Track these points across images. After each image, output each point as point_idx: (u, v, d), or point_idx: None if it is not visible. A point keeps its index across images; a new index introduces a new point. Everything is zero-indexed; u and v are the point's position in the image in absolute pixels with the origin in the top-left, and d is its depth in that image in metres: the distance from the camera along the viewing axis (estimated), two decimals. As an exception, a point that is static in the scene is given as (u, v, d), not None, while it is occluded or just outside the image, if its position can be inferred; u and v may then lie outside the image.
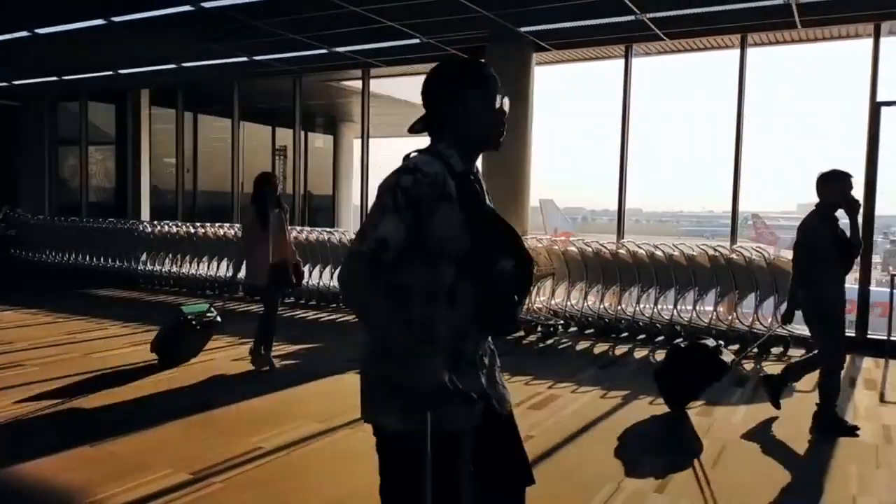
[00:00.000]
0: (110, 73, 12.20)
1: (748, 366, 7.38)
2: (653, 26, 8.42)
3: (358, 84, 12.54)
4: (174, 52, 10.77)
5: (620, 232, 10.00)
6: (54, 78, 13.03)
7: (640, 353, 7.98)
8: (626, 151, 9.82)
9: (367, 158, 12.26)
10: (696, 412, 5.62)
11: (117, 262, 13.27)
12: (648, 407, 5.79)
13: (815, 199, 5.12)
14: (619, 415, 5.57)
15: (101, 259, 13.52)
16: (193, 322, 6.54)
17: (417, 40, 9.38)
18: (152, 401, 5.68)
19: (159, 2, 7.92)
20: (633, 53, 9.70)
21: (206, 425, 5.05)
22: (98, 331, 8.51)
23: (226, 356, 7.21)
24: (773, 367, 7.25)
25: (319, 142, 20.95)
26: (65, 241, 14.10)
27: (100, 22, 8.72)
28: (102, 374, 6.36)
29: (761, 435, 5.17)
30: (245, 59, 10.78)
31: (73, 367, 6.58)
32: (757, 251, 8.43)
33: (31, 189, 16.06)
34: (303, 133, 19.03)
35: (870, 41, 8.40)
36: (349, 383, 6.23)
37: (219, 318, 6.80)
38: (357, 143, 21.92)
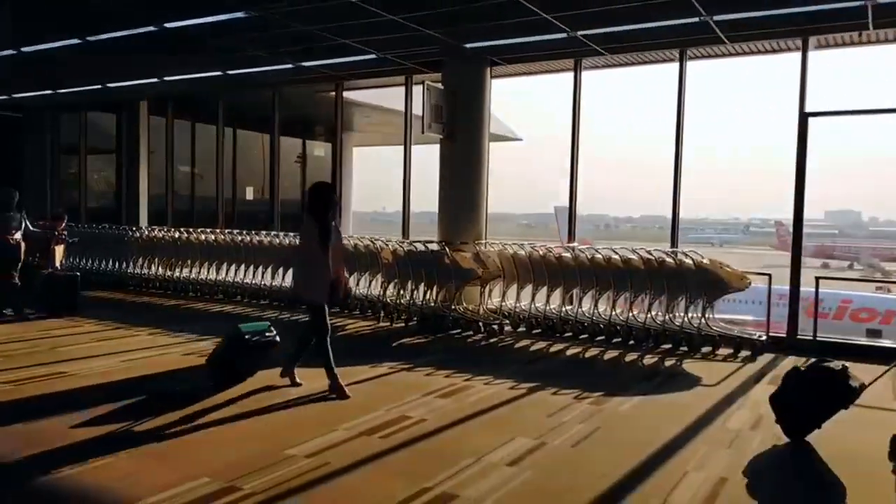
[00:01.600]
0: (99, 86, 12.90)
1: (650, 360, 7.88)
2: (589, 42, 8.90)
3: (350, 95, 13.17)
4: (154, 67, 11.43)
5: (572, 236, 10.45)
6: (49, 91, 13.77)
7: (572, 351, 8.44)
8: (577, 158, 10.29)
9: (341, 167, 12.85)
10: (589, 402, 6.09)
11: (108, 266, 13.94)
12: (550, 397, 6.26)
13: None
14: (515, 404, 6.06)
15: (94, 262, 14.18)
16: (252, 340, 6.36)
17: (374, 56, 9.94)
18: (90, 388, 6.29)
19: (127, 23, 8.57)
20: (583, 67, 10.20)
21: (121, 406, 5.62)
22: (73, 327, 9.15)
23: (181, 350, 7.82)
24: (693, 365, 7.73)
25: (320, 150, 21.62)
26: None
27: (76, 41, 9.40)
28: (58, 365, 6.97)
29: (637, 422, 5.62)
30: (219, 73, 11.42)
31: (36, 360, 7.22)
32: (688, 255, 8.81)
33: (34, 196, 16.82)
34: (301, 141, 19.83)
35: (798, 55, 8.81)
36: (263, 375, 6.68)
37: (278, 338, 6.57)
38: (356, 152, 22.67)
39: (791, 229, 9.39)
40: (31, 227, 10.19)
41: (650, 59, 9.89)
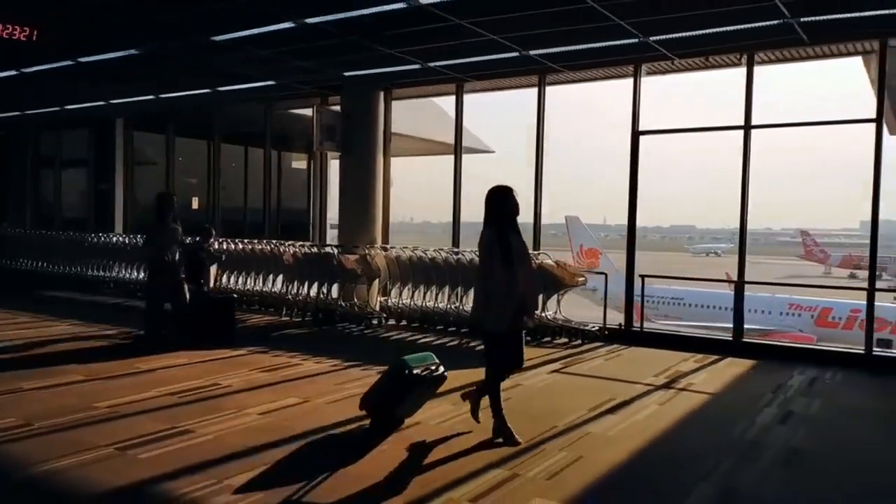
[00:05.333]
0: (57, 108, 14.49)
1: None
2: (447, 71, 10.23)
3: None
4: (94, 92, 12.94)
5: (456, 242, 11.68)
6: (17, 112, 15.40)
7: (424, 340, 9.72)
8: (459, 170, 11.55)
9: (271, 177, 14.28)
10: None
11: (72, 269, 15.45)
12: (355, 372, 7.49)
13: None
14: (320, 377, 7.35)
15: (64, 266, 15.67)
16: (421, 375, 5.48)
17: (273, 82, 11.33)
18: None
19: (46, 58, 10.05)
20: (465, 90, 11.50)
21: (13, 376, 6.95)
22: (10, 320, 10.60)
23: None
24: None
25: (300, 163, 23.14)
26: (34, 250, 16.39)
27: (13, 73, 10.95)
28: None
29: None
30: (152, 97, 12.90)
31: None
32: (537, 257, 10.00)
33: (16, 206, 18.51)
34: (277, 153, 21.32)
35: (631, 80, 10.01)
36: (148, 358, 8.00)
37: (445, 374, 5.72)
38: (335, 164, 24.12)
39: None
40: (186, 242, 9.16)
41: (515, 84, 11.21)
